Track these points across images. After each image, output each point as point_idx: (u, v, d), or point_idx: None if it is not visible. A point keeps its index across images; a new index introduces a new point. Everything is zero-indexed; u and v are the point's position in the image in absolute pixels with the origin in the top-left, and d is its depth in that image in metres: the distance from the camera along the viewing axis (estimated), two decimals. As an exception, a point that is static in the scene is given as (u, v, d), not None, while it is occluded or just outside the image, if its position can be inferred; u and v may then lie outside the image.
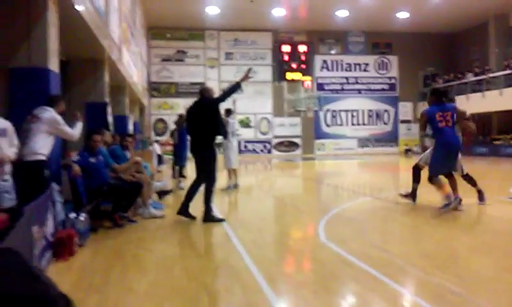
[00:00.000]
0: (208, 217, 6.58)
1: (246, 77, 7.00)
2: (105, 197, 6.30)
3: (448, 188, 7.00)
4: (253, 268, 4.27)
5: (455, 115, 6.99)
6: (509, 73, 23.24)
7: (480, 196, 7.41)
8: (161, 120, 28.47)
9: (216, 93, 7.29)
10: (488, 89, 24.31)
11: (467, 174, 7.52)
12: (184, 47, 29.12)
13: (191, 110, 6.99)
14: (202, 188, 6.79)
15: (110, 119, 10.66)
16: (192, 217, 6.66)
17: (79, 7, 7.12)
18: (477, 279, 3.95)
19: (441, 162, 7.02)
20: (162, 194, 8.75)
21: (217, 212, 7.00)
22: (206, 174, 6.73)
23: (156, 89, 28.62)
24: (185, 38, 29.10)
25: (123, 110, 14.24)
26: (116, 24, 11.75)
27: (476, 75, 26.12)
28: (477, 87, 25.24)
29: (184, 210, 6.72)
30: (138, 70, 19.07)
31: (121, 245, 5.45)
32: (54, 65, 6.32)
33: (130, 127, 15.18)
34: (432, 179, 7.03)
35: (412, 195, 7.79)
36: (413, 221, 6.80)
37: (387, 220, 7.09)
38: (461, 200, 6.95)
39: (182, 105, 22.01)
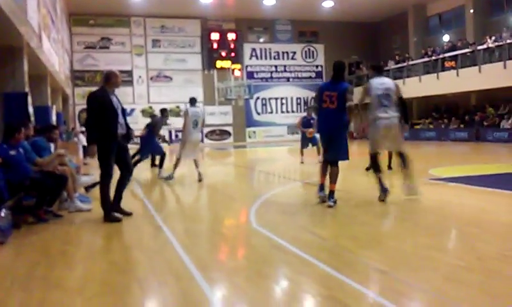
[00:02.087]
0: (109, 217, 6.02)
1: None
2: (28, 192, 5.99)
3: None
4: (185, 258, 4.26)
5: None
6: (427, 60, 24.58)
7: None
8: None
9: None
10: (408, 76, 25.59)
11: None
12: (108, 34, 28.12)
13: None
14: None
15: (30, 110, 10.11)
16: (128, 214, 6.30)
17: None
18: (401, 257, 4.18)
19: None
20: (89, 187, 8.45)
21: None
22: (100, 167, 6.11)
23: (80, 78, 27.48)
24: (109, 24, 28.10)
25: (44, 100, 13.56)
26: (35, 10, 11.11)
27: (397, 62, 27.40)
28: (398, 74, 26.47)
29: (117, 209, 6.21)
30: (60, 58, 18.19)
31: (47, 240, 5.23)
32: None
33: (53, 118, 14.50)
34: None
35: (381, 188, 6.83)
36: (341, 204, 7.04)
37: (315, 204, 7.29)
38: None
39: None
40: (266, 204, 7.11)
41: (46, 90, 13.81)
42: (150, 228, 5.75)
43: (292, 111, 31.45)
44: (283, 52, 31.50)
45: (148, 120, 12.26)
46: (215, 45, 29.55)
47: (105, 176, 6.05)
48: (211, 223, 6.30)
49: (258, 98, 30.88)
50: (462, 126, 23.14)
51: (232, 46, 29.91)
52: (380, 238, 4.95)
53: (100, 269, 4.10)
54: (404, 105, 6.94)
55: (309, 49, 32.06)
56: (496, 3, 24.19)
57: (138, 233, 5.44)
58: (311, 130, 12.55)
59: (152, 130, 11.36)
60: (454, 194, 7.24)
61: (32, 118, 10.07)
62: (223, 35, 29.80)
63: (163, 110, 11.91)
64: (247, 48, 30.71)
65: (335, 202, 6.54)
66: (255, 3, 26.97)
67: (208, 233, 5.72)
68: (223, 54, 29.69)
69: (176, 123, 28.93)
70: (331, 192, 6.56)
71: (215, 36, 29.63)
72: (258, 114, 31.06)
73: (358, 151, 19.59)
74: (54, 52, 15.62)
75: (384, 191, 6.72)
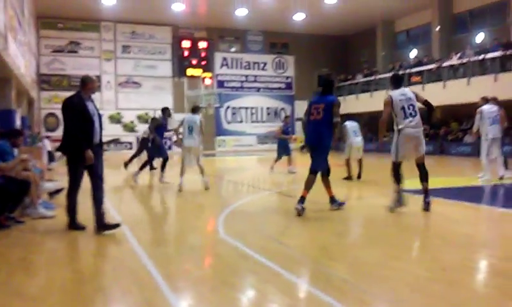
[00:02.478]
0: (73, 224, 5.82)
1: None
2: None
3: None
4: (150, 267, 4.20)
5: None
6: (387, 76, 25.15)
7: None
8: (52, 114, 26.78)
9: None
10: (376, 90, 26.09)
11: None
12: (77, 38, 27.60)
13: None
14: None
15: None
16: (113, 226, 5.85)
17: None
18: (367, 268, 4.22)
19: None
20: (53, 193, 8.25)
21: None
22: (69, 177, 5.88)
23: (46, 81, 26.85)
24: (78, 28, 27.58)
25: (9, 103, 13.20)
26: (1, 11, 10.83)
27: (365, 76, 27.92)
28: (366, 87, 26.99)
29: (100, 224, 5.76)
30: (26, 61, 17.75)
31: (7, 247, 5.07)
32: None
33: (18, 122, 14.12)
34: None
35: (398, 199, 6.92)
36: (309, 215, 7.09)
37: (284, 214, 7.32)
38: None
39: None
40: (234, 213, 7.09)
41: (10, 93, 13.46)
42: (115, 236, 5.63)
43: (262, 121, 31.56)
44: (254, 62, 31.64)
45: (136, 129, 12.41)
46: (186, 53, 29.29)
47: (74, 183, 5.82)
48: (178, 232, 6.24)
49: (228, 107, 30.87)
50: (427, 139, 23.65)
51: (203, 54, 29.74)
52: (347, 248, 5.00)
53: (63, 277, 4.00)
54: (431, 108, 7.04)
55: (280, 60, 32.31)
56: (461, 22, 24.98)
57: (103, 241, 5.33)
58: (294, 136, 12.85)
59: (159, 132, 11.55)
60: (419, 205, 7.38)
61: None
62: (194, 43, 29.60)
63: (164, 109, 12.06)
64: (218, 57, 30.69)
65: (339, 205, 6.99)
66: (227, 13, 27.02)
67: (175, 242, 5.66)
68: (194, 62, 29.47)
69: (143, 130, 28.69)
70: (332, 198, 7.02)
71: (186, 43, 29.40)
72: (228, 123, 31.04)
73: (332, 162, 19.82)
74: (20, 55, 15.25)
75: (399, 202, 6.79)
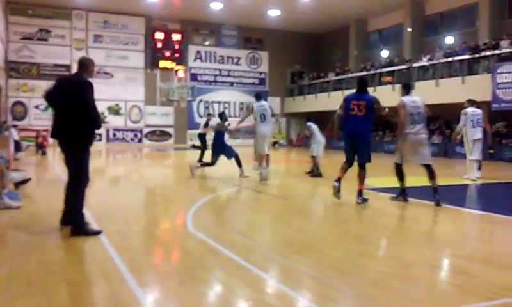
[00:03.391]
0: (81, 229, 5.17)
1: None
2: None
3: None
4: (117, 260, 4.17)
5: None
6: (366, 74, 25.46)
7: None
8: (20, 103, 26.14)
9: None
10: (347, 88, 26.35)
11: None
12: (47, 26, 26.97)
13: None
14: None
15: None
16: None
17: None
18: (333, 263, 4.30)
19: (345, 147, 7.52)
20: (19, 183, 8.09)
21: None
22: (74, 170, 5.29)
23: (15, 69, 26.16)
24: (49, 16, 26.96)
25: (-27, 90, 12.82)
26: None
27: (337, 74, 28.19)
28: (338, 85, 27.27)
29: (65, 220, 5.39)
30: (-7, 46, 17.27)
31: (-31, 239, 4.96)
32: None
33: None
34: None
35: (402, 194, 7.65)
36: (278, 210, 7.16)
37: (253, 209, 7.37)
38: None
39: (44, 87, 20.49)
40: (204, 207, 7.10)
41: (-24, 80, 13.07)
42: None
43: (235, 116, 31.49)
44: (228, 57, 31.56)
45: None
46: (159, 45, 29.11)
47: (86, 175, 5.31)
48: (146, 225, 6.21)
49: (201, 101, 30.71)
50: (395, 139, 24.10)
51: (177, 47, 29.60)
52: (313, 244, 5.07)
53: (27, 269, 3.94)
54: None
55: (254, 56, 32.33)
56: (432, 24, 25.50)
57: (68, 232, 5.24)
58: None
59: (220, 135, 11.38)
60: (384, 203, 7.55)
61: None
62: (168, 35, 29.43)
63: (222, 114, 12.17)
64: (192, 50, 30.50)
65: (363, 200, 7.22)
66: (201, 6, 26.86)
67: (143, 235, 5.63)
68: (167, 54, 29.30)
69: (114, 121, 28.41)
70: (360, 191, 7.30)
71: (159, 35, 29.19)
72: (201, 117, 30.86)
73: (297, 158, 19.96)
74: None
75: (403, 196, 7.54)
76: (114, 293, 3.40)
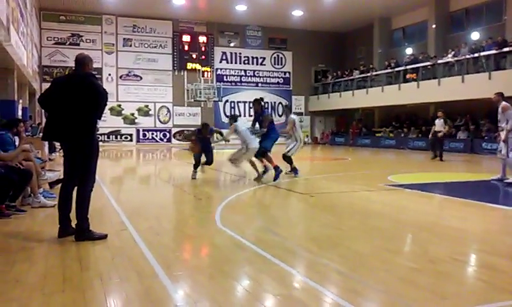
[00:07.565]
0: (86, 235, 4.94)
1: None
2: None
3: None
4: (149, 256, 4.30)
5: None
6: (390, 72, 25.23)
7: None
8: (52, 106, 26.80)
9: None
10: (371, 86, 26.20)
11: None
12: (79, 31, 27.74)
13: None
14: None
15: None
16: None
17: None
18: (358, 259, 4.33)
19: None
20: (53, 183, 8.34)
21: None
22: (82, 172, 5.01)
23: (48, 73, 26.91)
24: (80, 21, 27.69)
25: (10, 94, 13.28)
26: (3, 2, 10.87)
27: (361, 72, 28.00)
28: (362, 83, 27.10)
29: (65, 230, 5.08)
30: (28, 52, 17.78)
31: (8, 236, 5.17)
32: None
33: (19, 113, 14.20)
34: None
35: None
36: (304, 207, 7.20)
37: (280, 206, 7.43)
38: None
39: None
40: (231, 204, 7.20)
41: (13, 84, 13.53)
42: (114, 225, 5.74)
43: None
44: (252, 57, 31.71)
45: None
46: (186, 47, 29.55)
47: (94, 180, 5.17)
48: (176, 222, 6.34)
49: (227, 101, 30.97)
50: (420, 135, 23.82)
51: (203, 49, 29.97)
52: (339, 240, 5.10)
53: (62, 265, 4.08)
54: None
55: (278, 56, 32.37)
56: (457, 20, 25.06)
57: (102, 230, 5.39)
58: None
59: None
60: (410, 199, 7.50)
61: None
62: (194, 37, 29.83)
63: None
64: (217, 52, 30.77)
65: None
66: (226, 8, 27.06)
67: (173, 231, 5.76)
68: (194, 56, 29.73)
69: (144, 122, 28.95)
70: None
71: (186, 38, 29.66)
72: (227, 116, 31.09)
73: (322, 156, 19.90)
74: (23, 46, 15.29)
75: None
76: (146, 289, 3.50)
